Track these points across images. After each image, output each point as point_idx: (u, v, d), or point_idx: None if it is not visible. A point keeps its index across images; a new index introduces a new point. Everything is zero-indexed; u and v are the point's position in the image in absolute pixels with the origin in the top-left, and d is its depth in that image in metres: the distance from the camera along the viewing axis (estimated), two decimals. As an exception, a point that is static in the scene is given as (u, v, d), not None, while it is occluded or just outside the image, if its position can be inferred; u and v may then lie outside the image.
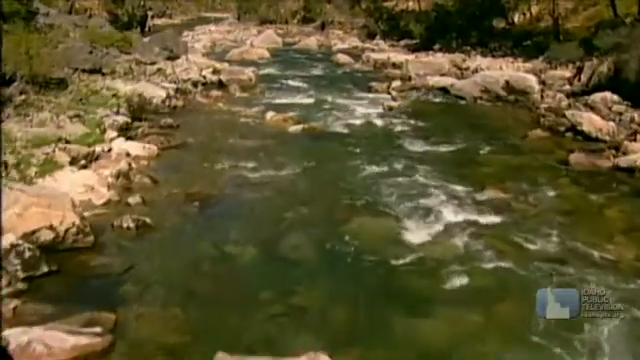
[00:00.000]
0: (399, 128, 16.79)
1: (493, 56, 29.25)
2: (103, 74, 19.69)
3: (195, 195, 11.03)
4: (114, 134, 13.85)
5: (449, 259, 8.92)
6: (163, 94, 18.47)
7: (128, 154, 12.78)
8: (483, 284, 8.37)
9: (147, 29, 40.30)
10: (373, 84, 23.18)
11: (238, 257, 8.90)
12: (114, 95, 17.20)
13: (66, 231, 8.71)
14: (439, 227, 10.03)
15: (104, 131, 13.97)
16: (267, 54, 32.58)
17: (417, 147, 14.85)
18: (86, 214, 9.78)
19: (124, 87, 18.29)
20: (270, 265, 8.75)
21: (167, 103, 18.17)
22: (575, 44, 25.32)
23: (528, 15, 33.63)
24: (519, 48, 29.64)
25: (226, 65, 26.33)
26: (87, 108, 15.42)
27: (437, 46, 33.06)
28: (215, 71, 24.24)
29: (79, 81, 17.92)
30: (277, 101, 20.18)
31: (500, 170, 13.19)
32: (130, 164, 12.11)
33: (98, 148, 12.68)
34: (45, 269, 8.04)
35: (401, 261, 8.85)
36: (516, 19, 34.01)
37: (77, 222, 8.81)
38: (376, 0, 47.47)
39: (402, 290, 8.23)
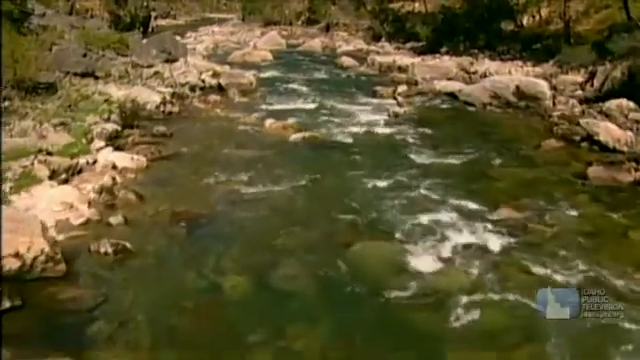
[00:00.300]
0: (405, 137, 15.75)
1: (501, 60, 28.17)
2: (96, 78, 18.75)
3: (183, 214, 10.02)
4: (101, 144, 12.88)
5: (459, 291, 7.93)
6: (158, 99, 17.52)
7: (115, 166, 11.83)
8: (496, 321, 7.42)
9: (150, 30, 39.39)
10: (378, 88, 22.15)
11: (226, 289, 7.91)
12: (106, 100, 16.26)
13: (34, 259, 7.75)
14: (448, 252, 9.07)
15: (91, 140, 13.00)
16: (270, 56, 31.58)
17: (424, 158, 13.84)
18: (61, 237, 8.88)
19: (117, 92, 17.36)
20: (262, 299, 7.75)
21: (162, 109, 17.22)
22: (587, 48, 24.25)
23: (537, 18, 32.52)
24: (528, 51, 28.55)
25: (227, 68, 25.35)
26: (75, 115, 14.47)
27: (444, 49, 31.99)
28: (215, 74, 23.26)
29: (70, 85, 17.00)
30: (278, 107, 19.16)
31: (513, 185, 12.17)
32: (115, 178, 11.14)
33: (82, 160, 11.71)
34: (7, 304, 7.07)
35: (406, 293, 7.90)
36: (525, 22, 32.87)
37: (47, 249, 7.83)
38: (382, 1, 46.43)
39: (407, 328, 7.29)
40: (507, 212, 10.60)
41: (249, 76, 22.88)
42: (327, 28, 48.56)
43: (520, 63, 26.61)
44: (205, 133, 15.63)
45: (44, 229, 8.15)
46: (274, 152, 13.99)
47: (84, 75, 18.40)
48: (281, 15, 55.23)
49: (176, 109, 17.63)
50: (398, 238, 9.48)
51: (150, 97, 17.46)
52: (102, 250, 8.52)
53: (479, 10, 32.82)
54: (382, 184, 11.96)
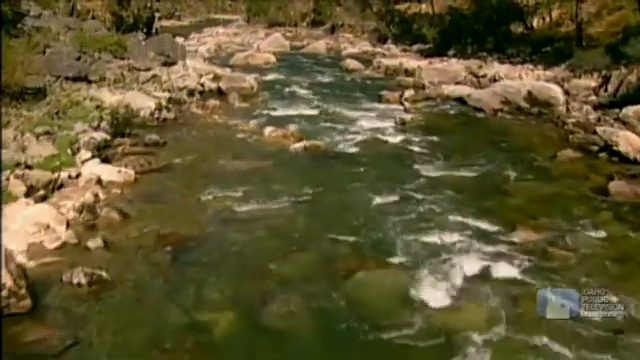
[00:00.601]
0: (413, 147, 14.75)
1: (511, 63, 27.12)
2: (89, 82, 17.78)
3: (169, 236, 9.06)
4: (87, 155, 11.92)
5: (471, 328, 6.97)
6: (152, 105, 16.56)
7: (100, 180, 10.89)
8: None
9: (154, 31, 38.44)
10: (384, 93, 21.12)
11: (213, 327, 6.93)
12: (97, 107, 15.32)
13: (-6, 294, 6.82)
14: (459, 281, 8.10)
15: (77, 151, 12.05)
16: (273, 58, 30.59)
17: (433, 170, 12.84)
18: (32, 263, 7.96)
19: (110, 97, 16.41)
20: (252, 340, 6.78)
21: (157, 115, 16.29)
22: (600, 51, 23.17)
23: (547, 19, 31.47)
24: (538, 54, 27.49)
25: (228, 71, 24.36)
26: (62, 123, 13.52)
27: (451, 51, 30.94)
28: (215, 77, 22.30)
29: (60, 90, 16.01)
30: (279, 112, 18.18)
31: (530, 202, 11.18)
32: (97, 195, 10.18)
33: (64, 174, 10.77)
34: (-42, 349, 6.16)
35: (412, 331, 6.95)
36: (535, 24, 31.84)
37: (9, 283, 6.86)
38: (388, 3, 45.34)
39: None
40: (524, 234, 9.63)
41: (250, 80, 21.89)
42: (332, 30, 47.56)
43: (530, 66, 25.55)
44: (200, 142, 14.66)
45: (9, 259, 7.19)
46: (273, 163, 12.99)
47: (76, 79, 17.43)
48: (286, 16, 54.22)
49: (172, 115, 16.69)
50: (404, 264, 8.51)
51: (144, 103, 16.51)
52: (75, 280, 7.56)
53: (487, 12, 31.74)
54: (388, 200, 11.00)
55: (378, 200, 10.99)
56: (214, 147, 14.13)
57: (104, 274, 7.73)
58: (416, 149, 14.57)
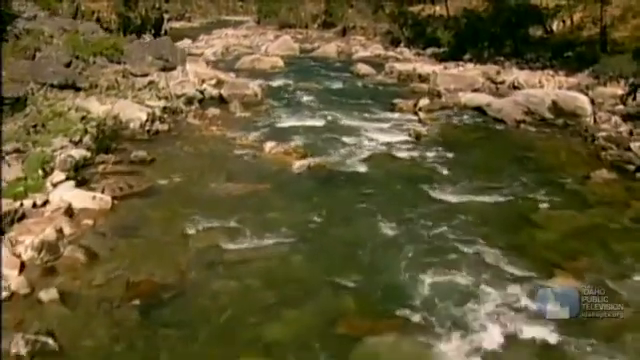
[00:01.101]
0: (429, 165, 13.07)
1: (530, 68, 25.42)
2: (78, 90, 16.18)
3: (141, 285, 7.48)
4: (61, 177, 10.37)
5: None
6: (144, 116, 14.95)
7: (69, 209, 9.33)
8: None
9: (163, 33, 36.99)
10: (397, 101, 19.43)
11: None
12: (83, 118, 13.78)
13: None
14: (488, 349, 6.51)
15: (49, 172, 10.51)
16: (281, 62, 28.99)
17: (453, 195, 11.15)
18: (-36, 325, 6.43)
19: (98, 107, 14.86)
20: None
21: (148, 127, 14.68)
22: (627, 57, 21.49)
23: (568, 23, 29.71)
24: (559, 59, 25.75)
25: (232, 76, 22.88)
26: (39, 138, 11.96)
27: (467, 56, 29.27)
28: (218, 83, 20.84)
29: (43, 100, 14.41)
30: (283, 124, 16.61)
31: (565, 236, 9.48)
32: (61, 230, 8.59)
33: (28, 201, 9.23)
34: None
35: None
36: (555, 27, 30.12)
37: None
38: (401, 4, 43.65)
39: None
40: (563, 280, 8.02)
41: (254, 86, 20.34)
42: (344, 32, 45.96)
43: (551, 72, 23.84)
44: (192, 159, 13.04)
45: None
46: (272, 186, 11.35)
47: (64, 87, 15.86)
48: (297, 18, 52.71)
49: (165, 127, 15.09)
50: (423, 325, 6.91)
51: (135, 113, 14.93)
52: (14, 350, 6.02)
53: (505, 14, 29.96)
54: (401, 232, 9.41)
55: (390, 233, 9.40)
56: (207, 165, 12.50)
57: (50, 341, 6.16)
58: (433, 168, 12.86)
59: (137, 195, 10.56)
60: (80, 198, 9.71)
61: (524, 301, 7.41)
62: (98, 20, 34.70)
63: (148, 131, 14.53)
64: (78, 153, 11.60)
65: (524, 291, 7.63)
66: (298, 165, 12.62)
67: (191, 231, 9.16)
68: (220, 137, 14.93)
